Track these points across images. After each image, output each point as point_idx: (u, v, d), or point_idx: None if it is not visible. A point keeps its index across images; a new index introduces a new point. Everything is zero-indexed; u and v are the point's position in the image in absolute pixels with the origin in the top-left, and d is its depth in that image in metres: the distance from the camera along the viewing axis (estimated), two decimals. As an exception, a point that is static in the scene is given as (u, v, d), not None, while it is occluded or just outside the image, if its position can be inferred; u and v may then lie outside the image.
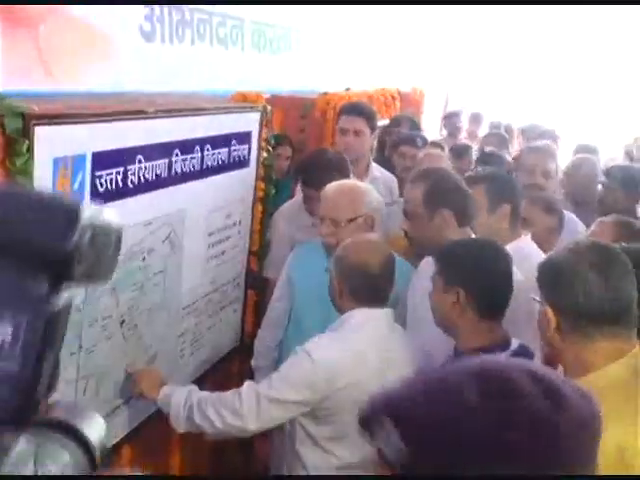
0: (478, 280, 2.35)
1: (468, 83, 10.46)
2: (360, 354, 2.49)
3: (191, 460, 3.28)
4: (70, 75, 3.58)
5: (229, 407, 2.49)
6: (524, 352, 2.36)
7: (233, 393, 2.53)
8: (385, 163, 4.81)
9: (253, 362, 3.43)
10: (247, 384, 2.55)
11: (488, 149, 5.61)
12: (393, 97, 6.52)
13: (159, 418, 2.78)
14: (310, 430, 2.56)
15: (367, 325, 2.56)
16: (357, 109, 4.44)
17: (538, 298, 2.09)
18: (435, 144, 5.46)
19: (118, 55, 3.85)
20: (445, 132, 8.02)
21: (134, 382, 2.69)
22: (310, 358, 2.44)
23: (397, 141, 5.11)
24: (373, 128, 4.43)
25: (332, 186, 3.13)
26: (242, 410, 2.47)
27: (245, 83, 4.32)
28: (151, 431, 2.89)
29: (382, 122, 5.64)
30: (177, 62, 4.36)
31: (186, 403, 2.57)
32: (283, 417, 2.54)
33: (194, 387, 2.70)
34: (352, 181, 3.29)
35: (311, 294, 3.07)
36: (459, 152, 5.61)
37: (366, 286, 2.57)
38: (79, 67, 3.65)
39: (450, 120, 7.97)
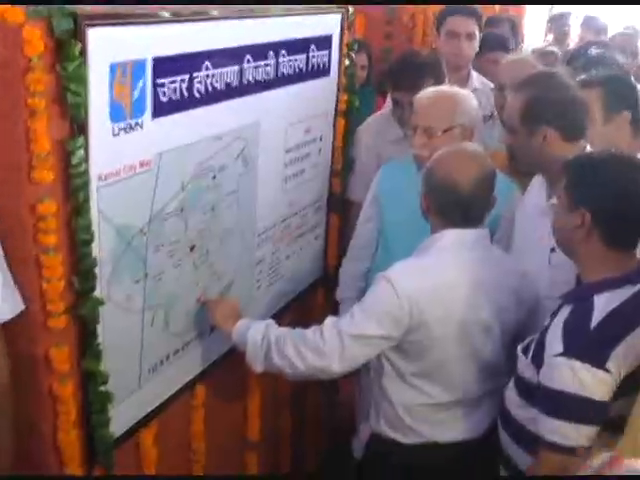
0: (609, 204, 2.13)
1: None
2: (449, 283, 2.42)
3: (271, 403, 3.27)
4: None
5: (310, 346, 2.44)
6: None
7: (314, 330, 2.47)
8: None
9: (338, 294, 3.38)
10: (329, 320, 2.50)
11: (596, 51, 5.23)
12: (495, -2, 6.24)
13: (236, 356, 2.77)
14: (398, 365, 2.51)
15: (458, 248, 2.47)
16: (467, 8, 4.29)
17: None
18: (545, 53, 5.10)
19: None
20: (551, 37, 7.68)
21: (208, 312, 2.66)
22: (392, 288, 2.38)
23: (485, 45, 4.82)
24: (481, 30, 4.31)
25: (427, 92, 3.03)
26: (324, 349, 2.43)
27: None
28: (227, 370, 2.89)
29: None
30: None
31: (264, 340, 2.53)
32: (368, 354, 2.49)
33: (272, 321, 2.65)
34: (449, 87, 3.16)
35: (402, 216, 3.01)
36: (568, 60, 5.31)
37: (455, 206, 2.46)
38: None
39: (557, 23, 7.60)
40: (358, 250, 3.34)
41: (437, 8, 4.78)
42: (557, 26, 7.58)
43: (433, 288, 2.40)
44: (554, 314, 2.22)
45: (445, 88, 3.12)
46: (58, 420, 2.09)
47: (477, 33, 4.22)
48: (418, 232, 2.63)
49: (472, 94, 3.16)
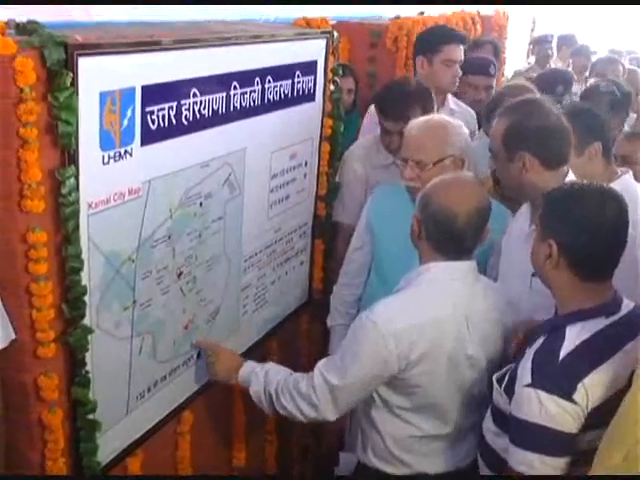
0: (572, 234, 2.16)
1: (557, 5, 10.14)
2: (437, 318, 2.41)
3: (257, 429, 3.30)
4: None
5: (305, 399, 2.49)
6: (638, 317, 2.21)
7: (307, 383, 2.49)
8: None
9: (329, 321, 3.40)
10: (317, 371, 2.49)
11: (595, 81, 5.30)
12: (474, 21, 6.33)
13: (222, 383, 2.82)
14: (387, 398, 2.51)
15: (446, 281, 2.46)
16: (460, 37, 4.42)
17: None
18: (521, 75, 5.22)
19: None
20: (532, 60, 7.80)
21: (207, 367, 2.76)
22: (378, 330, 2.37)
23: (467, 68, 4.90)
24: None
25: (416, 123, 3.02)
26: (317, 402, 2.46)
27: (300, 9, 4.18)
28: (213, 396, 2.92)
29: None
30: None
31: (265, 392, 2.59)
32: (361, 398, 2.52)
33: (270, 367, 2.67)
34: (438, 116, 3.17)
35: (397, 244, 2.97)
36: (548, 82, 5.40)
37: (451, 237, 2.45)
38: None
39: (539, 46, 7.73)
40: (351, 277, 3.33)
41: (419, 32, 4.87)
42: (539, 49, 7.71)
43: (420, 325, 2.38)
44: (530, 345, 2.25)
45: (435, 119, 3.10)
46: (46, 449, 2.12)
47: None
48: (413, 259, 2.64)
49: (462, 123, 3.14)
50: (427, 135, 2.95)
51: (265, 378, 2.60)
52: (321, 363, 2.52)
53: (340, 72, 3.49)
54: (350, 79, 4.68)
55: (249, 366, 2.68)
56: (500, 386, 2.29)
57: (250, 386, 2.63)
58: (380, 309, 2.43)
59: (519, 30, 7.86)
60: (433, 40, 4.41)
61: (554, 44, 7.88)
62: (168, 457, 2.73)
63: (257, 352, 3.18)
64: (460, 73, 4.30)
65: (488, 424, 2.37)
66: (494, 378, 2.34)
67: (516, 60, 7.74)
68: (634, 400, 1.91)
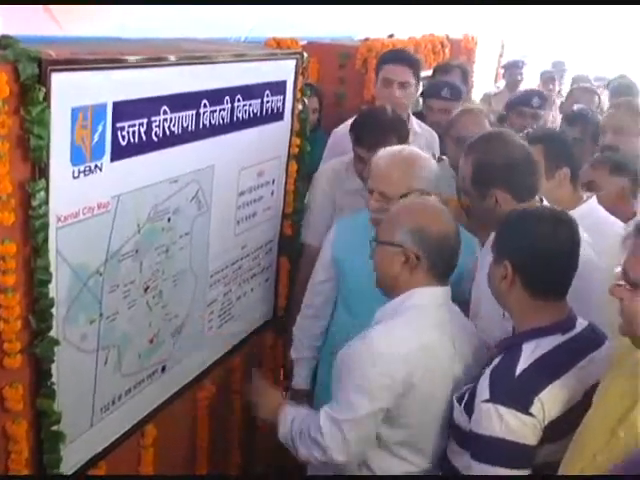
0: (526, 253, 2.26)
1: (526, 29, 10.32)
2: (429, 343, 2.40)
3: (220, 443, 3.33)
4: (76, 19, 3.60)
5: (315, 442, 2.44)
6: (592, 334, 2.31)
7: (315, 426, 2.44)
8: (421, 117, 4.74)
9: (293, 353, 3.39)
10: (323, 412, 2.44)
11: (577, 107, 5.39)
12: (442, 44, 6.46)
13: (186, 396, 2.86)
14: (382, 434, 2.45)
15: (432, 307, 2.46)
16: (402, 57, 4.36)
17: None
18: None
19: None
20: (502, 84, 7.92)
21: (253, 407, 2.82)
22: (376, 358, 2.33)
23: (425, 91, 4.90)
24: (418, 78, 4.37)
25: (385, 155, 3.00)
26: (327, 444, 2.41)
27: (273, 29, 4.26)
28: (177, 410, 2.95)
29: (429, 72, 5.60)
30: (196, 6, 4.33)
31: (287, 437, 2.56)
32: (368, 435, 2.43)
33: (299, 413, 2.61)
34: (408, 149, 3.10)
35: (364, 275, 2.86)
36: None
37: (446, 261, 2.46)
38: (87, 11, 3.66)
39: (510, 71, 7.85)
40: (316, 309, 3.30)
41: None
42: (510, 74, 7.83)
43: (416, 350, 2.36)
44: (487, 364, 2.32)
45: (405, 151, 3.05)
46: (9, 460, 2.14)
47: (412, 81, 4.29)
48: (378, 290, 2.65)
49: (430, 157, 3.13)
50: (395, 167, 2.94)
51: (291, 423, 2.56)
52: (325, 405, 2.47)
53: (307, 92, 3.55)
54: (315, 99, 4.72)
55: (284, 409, 2.65)
56: (460, 405, 2.33)
57: (279, 427, 2.59)
58: (375, 337, 2.39)
59: (488, 54, 8.01)
60: (379, 60, 4.51)
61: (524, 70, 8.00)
62: (131, 470, 2.75)
63: (221, 367, 3.23)
64: (407, 95, 4.29)
65: (450, 445, 2.42)
66: (454, 397, 2.39)
67: (484, 84, 7.87)
68: (594, 415, 1.98)
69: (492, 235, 2.82)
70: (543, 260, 2.25)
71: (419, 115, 4.70)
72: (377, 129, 3.43)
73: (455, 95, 4.73)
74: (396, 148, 3.06)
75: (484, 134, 2.93)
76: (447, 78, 5.31)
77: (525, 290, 2.27)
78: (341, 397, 2.40)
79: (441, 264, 2.45)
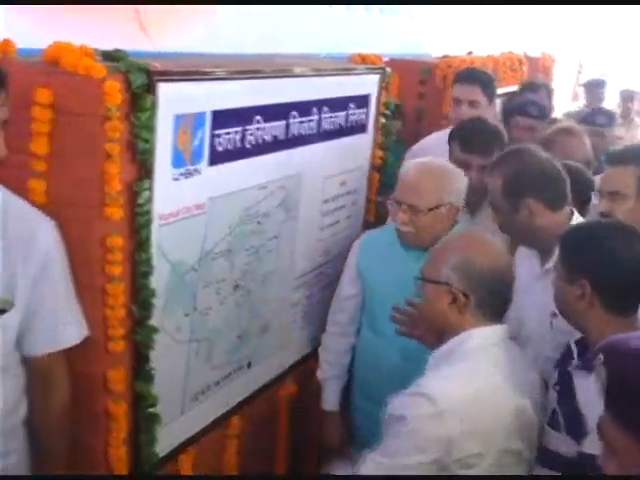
0: (606, 271, 2.17)
1: (605, 49, 10.28)
2: (492, 386, 2.14)
3: (299, 440, 3.45)
4: (166, 35, 3.81)
5: None
6: None
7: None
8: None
9: (319, 374, 3.29)
10: (364, 460, 2.14)
11: None
12: (520, 62, 6.51)
13: (269, 392, 3.04)
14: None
15: (489, 349, 2.21)
16: (472, 76, 4.39)
17: None
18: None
19: (218, 15, 4.06)
20: (583, 103, 7.88)
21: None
22: (435, 405, 2.03)
23: (510, 109, 4.94)
24: (491, 97, 4.39)
25: (414, 165, 2.92)
26: None
27: (355, 45, 4.40)
28: (260, 405, 3.09)
29: (506, 89, 5.66)
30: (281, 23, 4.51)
31: None
32: None
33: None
34: (439, 161, 3.00)
35: (389, 293, 2.84)
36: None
37: (498, 296, 2.26)
38: (176, 27, 3.87)
39: (591, 90, 7.79)
40: (344, 326, 3.21)
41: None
42: (591, 92, 7.76)
43: (477, 395, 2.09)
44: (568, 383, 2.25)
45: (435, 163, 2.96)
46: (110, 437, 2.30)
47: (483, 100, 4.30)
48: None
49: (461, 170, 3.01)
50: (425, 179, 2.85)
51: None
52: (370, 454, 2.14)
53: (392, 107, 3.67)
54: (398, 122, 4.78)
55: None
56: (559, 431, 2.22)
57: None
58: (432, 383, 2.11)
59: (565, 72, 8.01)
60: (453, 79, 4.59)
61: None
62: (217, 458, 2.89)
63: (302, 367, 3.35)
64: (477, 114, 4.18)
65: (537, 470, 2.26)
66: (546, 424, 2.27)
67: (561, 103, 7.87)
68: None
69: (518, 251, 2.84)
70: (624, 277, 2.19)
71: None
72: (487, 136, 3.45)
73: (541, 114, 4.76)
74: (425, 159, 2.99)
75: (510, 150, 2.95)
76: (533, 96, 5.32)
77: (604, 308, 2.20)
78: (394, 441, 2.09)
79: (493, 301, 2.24)
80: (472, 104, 4.29)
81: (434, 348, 2.30)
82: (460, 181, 2.92)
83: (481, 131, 3.49)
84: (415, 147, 4.29)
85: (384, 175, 3.71)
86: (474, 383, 2.11)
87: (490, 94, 4.38)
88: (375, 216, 3.70)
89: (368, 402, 3.00)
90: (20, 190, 2.12)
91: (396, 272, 2.83)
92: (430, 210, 2.79)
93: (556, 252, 2.38)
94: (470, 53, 5.91)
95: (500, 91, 4.59)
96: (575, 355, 2.31)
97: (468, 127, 3.59)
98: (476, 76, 4.41)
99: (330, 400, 3.26)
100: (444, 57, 5.46)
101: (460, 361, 2.16)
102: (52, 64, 2.10)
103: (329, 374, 3.25)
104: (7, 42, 2.26)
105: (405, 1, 6.07)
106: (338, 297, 3.24)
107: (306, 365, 3.41)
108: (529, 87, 5.72)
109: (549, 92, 5.86)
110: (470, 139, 3.43)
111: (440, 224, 2.84)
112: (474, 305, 2.21)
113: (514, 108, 4.87)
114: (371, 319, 3.10)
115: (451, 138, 3.53)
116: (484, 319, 2.22)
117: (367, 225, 3.67)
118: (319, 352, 3.30)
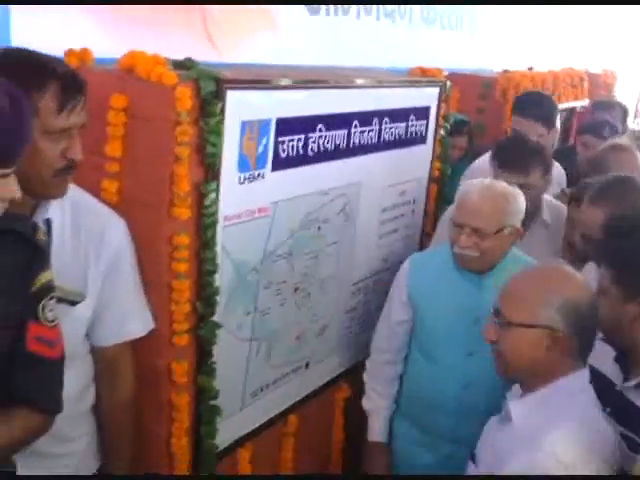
0: None
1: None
2: (597, 430, 2.02)
3: (355, 440, 3.50)
4: (232, 47, 3.95)
5: None
6: None
7: None
8: (566, 150, 4.75)
9: (366, 404, 3.14)
10: None
11: None
12: (581, 78, 6.50)
13: (325, 391, 3.11)
14: None
15: (586, 393, 2.08)
16: (532, 111, 4.23)
17: None
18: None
19: (282, 28, 4.18)
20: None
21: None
22: (563, 464, 1.91)
23: (585, 128, 4.99)
24: (552, 123, 4.29)
25: (476, 188, 2.80)
26: None
27: (414, 59, 4.45)
28: (317, 404, 3.17)
29: (567, 104, 5.66)
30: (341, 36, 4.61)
31: None
32: None
33: None
34: (499, 184, 2.85)
35: (440, 317, 2.83)
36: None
37: (592, 337, 2.11)
38: (242, 39, 4.01)
39: None
40: (394, 353, 3.07)
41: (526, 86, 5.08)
42: None
43: (591, 444, 1.96)
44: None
45: (496, 186, 2.82)
46: (173, 427, 2.40)
47: (544, 131, 4.19)
48: (461, 335, 2.71)
49: (521, 192, 2.85)
50: (488, 202, 2.75)
51: None
52: None
53: (452, 120, 3.72)
54: (465, 137, 4.84)
55: None
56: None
57: None
58: (558, 448, 1.94)
59: (627, 90, 7.97)
60: (513, 102, 4.54)
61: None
62: (273, 454, 2.98)
63: (358, 372, 3.41)
64: (551, 139, 4.24)
65: None
66: (627, 450, 2.18)
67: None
68: None
69: (586, 268, 2.74)
70: None
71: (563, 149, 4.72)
72: (525, 153, 3.34)
73: (612, 135, 4.70)
74: (486, 181, 2.86)
75: (615, 182, 2.84)
76: (607, 115, 5.29)
77: None
78: None
79: (590, 341, 2.11)
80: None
81: (502, 376, 2.20)
82: (520, 202, 2.82)
83: (519, 149, 3.39)
84: (474, 165, 4.25)
85: (443, 187, 3.77)
86: (586, 431, 1.97)
87: (552, 122, 4.28)
88: (433, 228, 3.74)
89: (411, 428, 3.00)
90: (94, 190, 2.24)
91: (450, 296, 2.80)
92: (495, 233, 2.73)
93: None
94: (531, 68, 5.93)
95: (560, 106, 4.58)
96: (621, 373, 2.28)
97: (506, 145, 3.52)
98: (537, 111, 4.25)
99: (379, 432, 3.11)
100: (505, 72, 5.50)
101: (569, 411, 2.02)
102: (127, 72, 2.22)
103: (378, 404, 3.10)
104: (85, 51, 2.38)
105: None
106: (388, 322, 3.07)
107: (360, 371, 3.47)
108: (604, 106, 5.66)
109: (624, 112, 5.78)
110: (508, 157, 3.34)
111: (502, 247, 2.77)
112: (577, 347, 2.06)
113: (589, 128, 4.86)
114: (421, 344, 2.97)
115: (492, 157, 3.46)
116: (580, 362, 2.09)
117: (425, 235, 3.73)
118: (364, 379, 3.16)
